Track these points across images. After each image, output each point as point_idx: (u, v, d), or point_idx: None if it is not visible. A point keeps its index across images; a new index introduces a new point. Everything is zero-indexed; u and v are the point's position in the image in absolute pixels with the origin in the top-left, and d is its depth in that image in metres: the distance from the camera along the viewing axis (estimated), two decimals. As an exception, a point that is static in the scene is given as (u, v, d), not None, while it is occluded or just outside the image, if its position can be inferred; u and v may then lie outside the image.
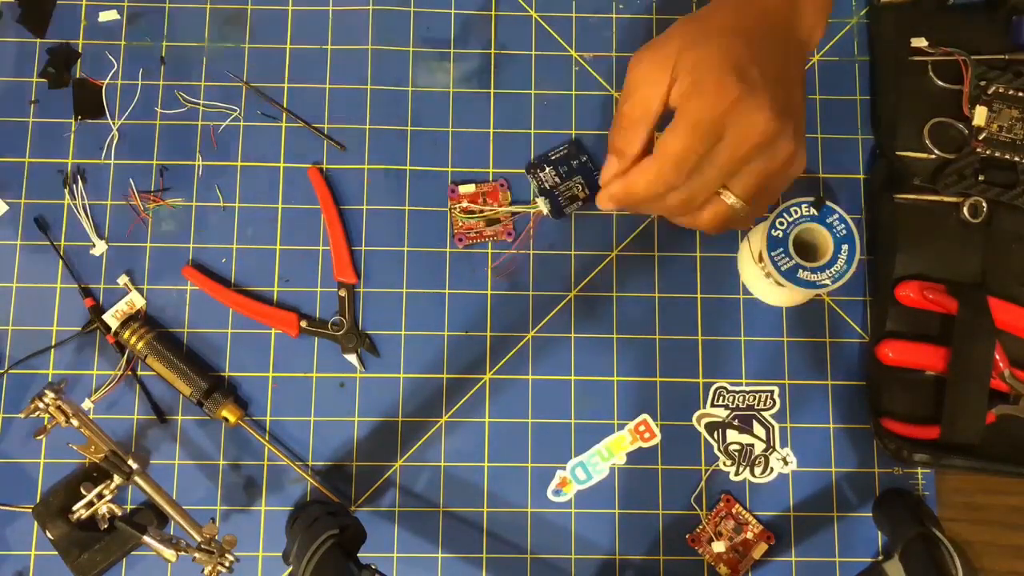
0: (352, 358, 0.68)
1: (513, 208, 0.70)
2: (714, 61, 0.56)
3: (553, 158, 0.71)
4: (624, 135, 0.58)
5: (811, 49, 0.61)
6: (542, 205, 0.70)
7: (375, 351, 0.69)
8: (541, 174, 0.70)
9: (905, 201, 0.69)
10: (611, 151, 0.59)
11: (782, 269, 0.64)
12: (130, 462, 0.61)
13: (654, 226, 0.71)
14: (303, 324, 0.68)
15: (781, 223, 0.65)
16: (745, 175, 0.57)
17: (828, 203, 0.65)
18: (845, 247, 0.65)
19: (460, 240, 0.70)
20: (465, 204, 0.70)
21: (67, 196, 0.70)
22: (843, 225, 0.65)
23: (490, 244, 0.70)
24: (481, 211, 0.70)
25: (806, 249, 0.66)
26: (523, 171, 0.71)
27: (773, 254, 0.64)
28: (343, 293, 0.69)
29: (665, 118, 0.56)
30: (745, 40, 0.57)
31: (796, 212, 0.65)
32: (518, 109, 0.72)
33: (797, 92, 0.58)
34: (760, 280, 0.68)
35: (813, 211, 0.65)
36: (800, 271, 0.64)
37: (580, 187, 0.70)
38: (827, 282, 0.64)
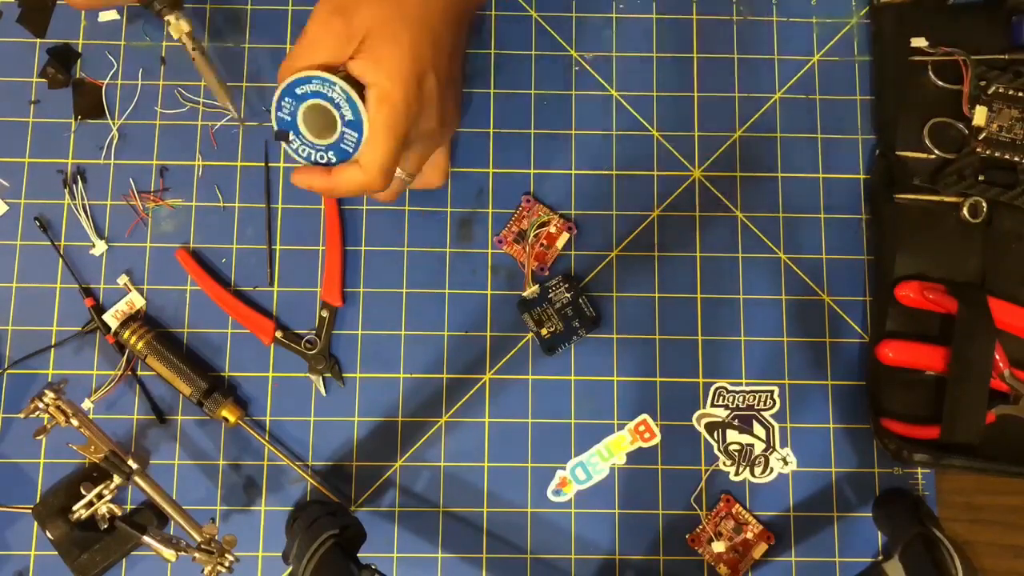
0: (317, 380, 0.68)
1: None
2: (404, 69, 0.57)
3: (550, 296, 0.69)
4: None
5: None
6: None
7: (341, 380, 0.68)
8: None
9: (905, 201, 0.69)
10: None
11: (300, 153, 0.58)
12: (130, 462, 0.61)
13: (654, 226, 0.71)
14: (278, 335, 0.68)
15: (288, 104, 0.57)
16: (412, 159, 0.63)
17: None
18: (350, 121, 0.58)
19: (544, 269, 0.69)
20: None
21: (67, 196, 0.70)
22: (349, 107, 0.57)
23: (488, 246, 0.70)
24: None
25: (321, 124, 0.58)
26: (523, 170, 0.71)
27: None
28: (325, 313, 0.69)
29: None
30: (431, 39, 0.59)
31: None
32: (518, 109, 0.72)
33: (456, 68, 0.63)
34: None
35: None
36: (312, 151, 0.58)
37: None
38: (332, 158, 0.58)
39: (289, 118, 0.57)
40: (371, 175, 0.57)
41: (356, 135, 0.57)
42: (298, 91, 0.57)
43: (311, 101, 0.57)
